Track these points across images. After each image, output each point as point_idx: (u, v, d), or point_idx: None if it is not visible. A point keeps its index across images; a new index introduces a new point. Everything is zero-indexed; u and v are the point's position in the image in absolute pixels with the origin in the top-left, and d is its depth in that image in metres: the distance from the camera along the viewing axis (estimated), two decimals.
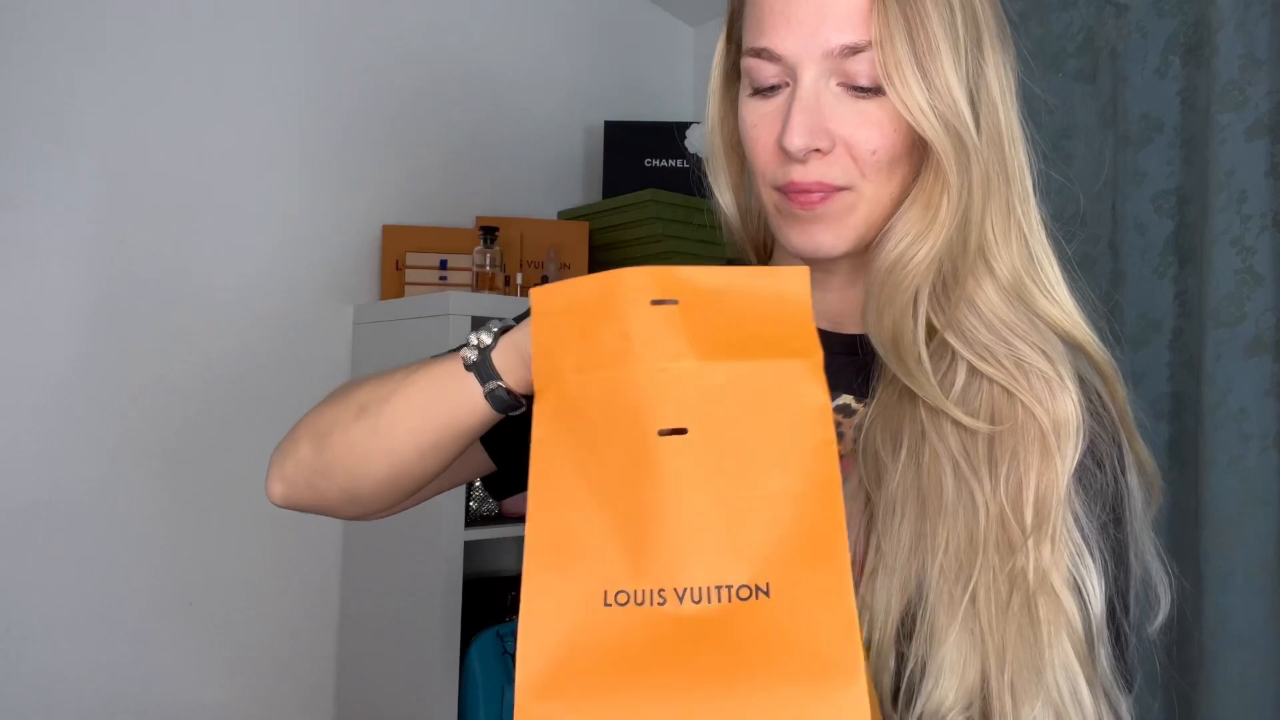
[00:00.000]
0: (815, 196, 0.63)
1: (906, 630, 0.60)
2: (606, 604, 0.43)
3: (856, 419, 0.68)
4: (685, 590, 0.43)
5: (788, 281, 0.46)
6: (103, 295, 1.44)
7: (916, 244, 0.62)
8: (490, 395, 0.61)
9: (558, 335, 0.48)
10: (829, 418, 0.45)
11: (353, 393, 0.68)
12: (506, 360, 0.61)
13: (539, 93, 1.96)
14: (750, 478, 0.44)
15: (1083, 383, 0.65)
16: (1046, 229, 0.67)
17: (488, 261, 1.61)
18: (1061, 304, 0.66)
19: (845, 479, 0.66)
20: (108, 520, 1.43)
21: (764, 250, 0.77)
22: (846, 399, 0.69)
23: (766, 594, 0.42)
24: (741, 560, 0.43)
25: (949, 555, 0.60)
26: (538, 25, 1.97)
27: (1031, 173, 0.67)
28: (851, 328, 0.71)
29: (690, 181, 1.93)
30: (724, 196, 0.75)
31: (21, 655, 1.35)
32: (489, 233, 1.63)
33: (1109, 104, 1.45)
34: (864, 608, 0.60)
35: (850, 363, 0.69)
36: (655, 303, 0.45)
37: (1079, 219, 0.68)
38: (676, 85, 2.25)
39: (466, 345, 0.62)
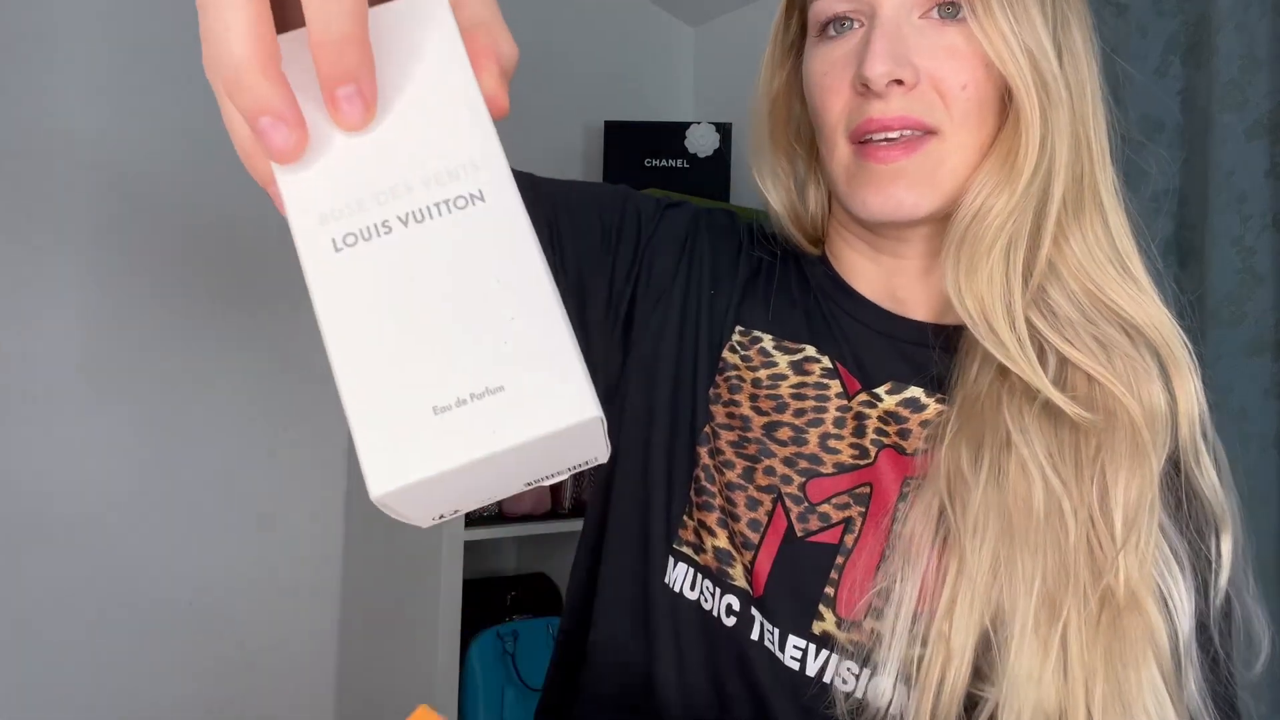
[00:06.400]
0: (897, 150, 0.56)
1: (986, 662, 0.53)
2: None
3: (926, 414, 0.61)
4: None
5: None
6: (104, 294, 1.43)
7: (996, 194, 0.56)
8: None
9: None
10: None
11: None
12: None
13: (539, 92, 1.96)
14: None
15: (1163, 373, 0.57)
16: (1126, 210, 0.62)
17: None
18: (1138, 281, 0.58)
19: (916, 481, 0.59)
20: (108, 520, 1.43)
21: (818, 244, 0.71)
22: (915, 392, 0.62)
23: None
24: None
25: (1044, 584, 0.53)
26: (538, 25, 1.96)
27: (1111, 144, 0.61)
28: (920, 314, 0.64)
29: (690, 181, 1.92)
30: (772, 192, 0.69)
31: (22, 654, 1.35)
32: None
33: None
34: (939, 639, 0.53)
35: (917, 353, 0.62)
36: None
37: None
38: (676, 85, 2.25)
39: None
